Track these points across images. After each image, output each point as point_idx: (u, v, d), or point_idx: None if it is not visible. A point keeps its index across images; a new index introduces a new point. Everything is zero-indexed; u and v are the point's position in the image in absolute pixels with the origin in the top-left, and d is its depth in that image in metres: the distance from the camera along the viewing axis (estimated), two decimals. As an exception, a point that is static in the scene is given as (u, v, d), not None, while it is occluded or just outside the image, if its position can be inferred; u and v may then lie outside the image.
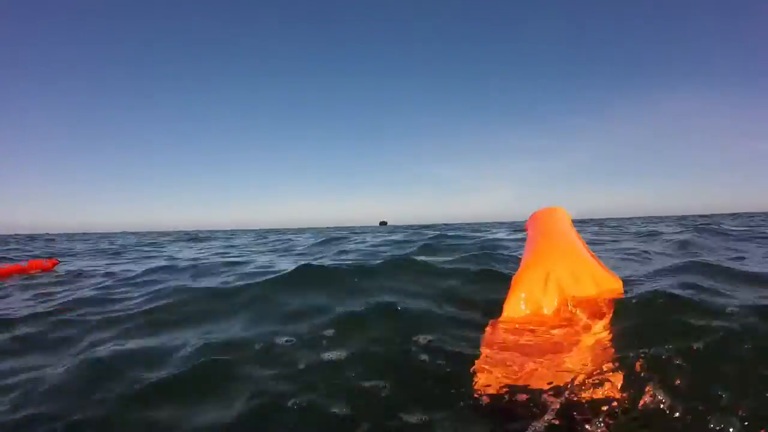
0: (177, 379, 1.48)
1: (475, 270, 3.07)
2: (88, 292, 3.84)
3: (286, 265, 4.26)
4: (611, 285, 1.44)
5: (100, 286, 4.20)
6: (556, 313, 1.40)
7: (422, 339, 1.63)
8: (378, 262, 3.46)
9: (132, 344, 1.98)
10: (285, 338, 1.82)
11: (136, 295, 3.38)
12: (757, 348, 1.27)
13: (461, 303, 2.27)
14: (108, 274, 5.14)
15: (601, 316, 1.34)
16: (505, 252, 4.44)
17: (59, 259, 6.67)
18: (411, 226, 18.53)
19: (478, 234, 8.29)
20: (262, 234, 21.85)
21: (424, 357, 1.47)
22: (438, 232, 9.20)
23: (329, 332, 1.87)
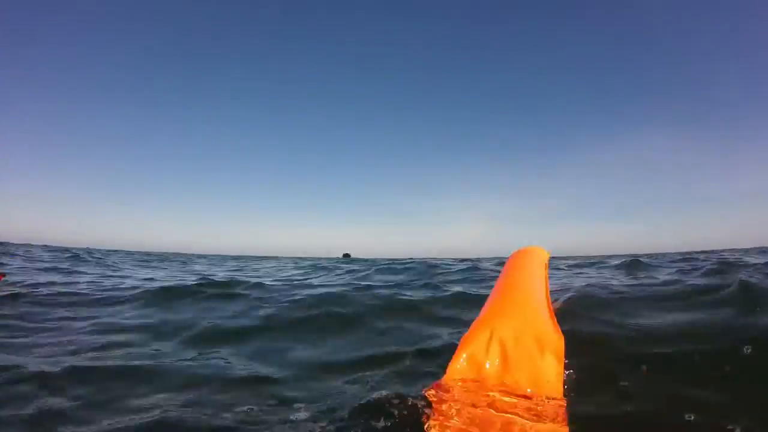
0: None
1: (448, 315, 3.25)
2: (35, 309, 3.70)
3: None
4: (552, 343, 1.48)
5: (54, 302, 4.06)
6: (496, 375, 1.44)
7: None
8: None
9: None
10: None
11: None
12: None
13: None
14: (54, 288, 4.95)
15: (536, 377, 1.41)
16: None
17: (4, 273, 6.34)
18: (375, 260, 18.45)
19: (452, 268, 8.36)
20: (227, 260, 21.24)
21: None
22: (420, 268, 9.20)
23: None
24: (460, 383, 1.45)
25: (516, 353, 1.47)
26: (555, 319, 1.63)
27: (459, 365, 1.49)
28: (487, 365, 1.47)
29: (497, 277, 2.18)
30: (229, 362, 2.35)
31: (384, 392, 1.74)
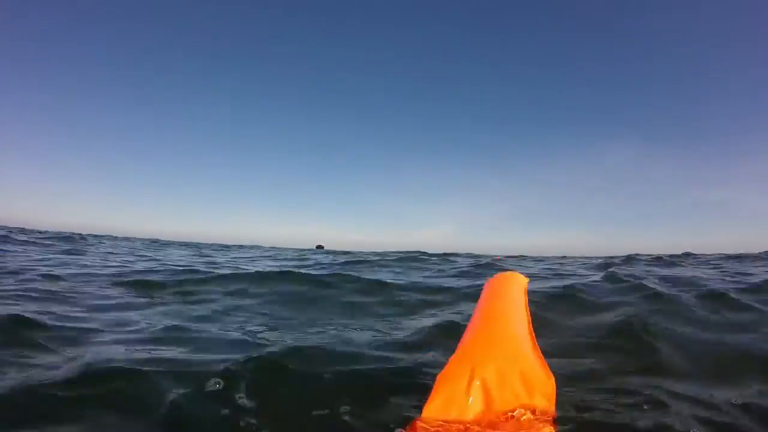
0: None
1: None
2: None
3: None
4: (541, 384, 1.33)
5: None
6: (479, 417, 1.27)
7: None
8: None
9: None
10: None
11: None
12: None
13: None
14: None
15: (525, 421, 1.26)
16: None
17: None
18: (349, 251, 18.47)
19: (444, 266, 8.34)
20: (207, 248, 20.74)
21: None
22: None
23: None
24: (437, 424, 1.27)
25: (500, 395, 1.29)
26: (542, 356, 1.46)
27: (436, 406, 1.31)
28: (468, 408, 1.29)
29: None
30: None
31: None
